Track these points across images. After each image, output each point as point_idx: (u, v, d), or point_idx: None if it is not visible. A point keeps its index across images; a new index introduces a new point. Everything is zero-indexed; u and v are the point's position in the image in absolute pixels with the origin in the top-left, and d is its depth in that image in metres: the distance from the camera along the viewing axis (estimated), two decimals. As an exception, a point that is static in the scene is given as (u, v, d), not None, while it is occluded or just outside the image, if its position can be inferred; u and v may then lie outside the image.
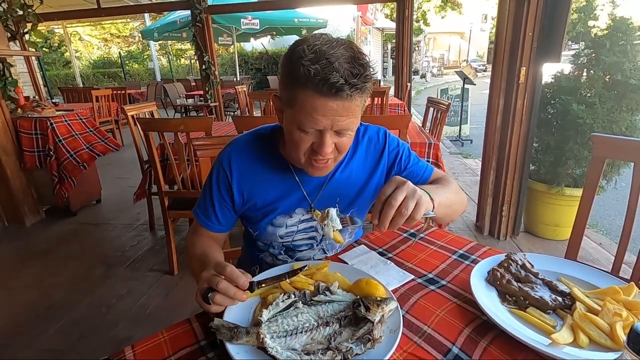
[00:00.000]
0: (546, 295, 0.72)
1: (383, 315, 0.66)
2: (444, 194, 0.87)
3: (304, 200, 0.97)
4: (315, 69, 0.69)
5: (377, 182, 1.03)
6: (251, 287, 0.70)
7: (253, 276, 0.74)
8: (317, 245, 1.04)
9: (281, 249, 1.04)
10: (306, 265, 0.78)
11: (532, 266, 0.81)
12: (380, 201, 0.72)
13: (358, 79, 0.71)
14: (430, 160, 2.22)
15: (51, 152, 3.04)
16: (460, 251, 0.99)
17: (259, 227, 0.99)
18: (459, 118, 6.16)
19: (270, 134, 0.98)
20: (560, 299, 0.72)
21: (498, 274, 0.78)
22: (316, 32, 0.76)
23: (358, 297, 0.72)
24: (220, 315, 0.69)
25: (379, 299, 0.69)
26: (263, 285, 0.74)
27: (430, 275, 0.88)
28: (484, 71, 27.29)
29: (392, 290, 0.78)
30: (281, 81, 0.80)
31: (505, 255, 0.84)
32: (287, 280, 0.75)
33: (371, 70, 0.75)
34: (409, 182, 0.73)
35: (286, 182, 0.96)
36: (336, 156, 0.85)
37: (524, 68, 2.27)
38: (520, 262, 0.81)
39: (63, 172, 3.08)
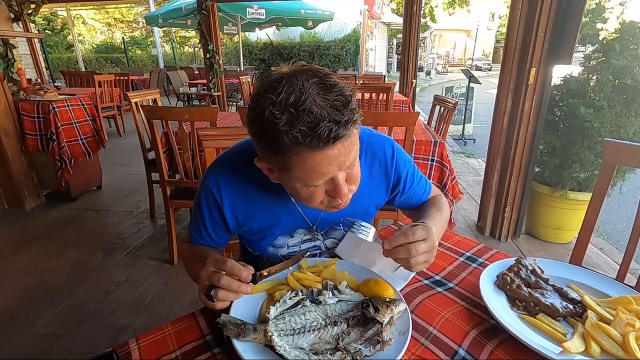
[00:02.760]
0: (557, 302, 0.71)
1: (392, 317, 0.65)
2: (441, 233, 0.92)
3: (304, 223, 0.92)
4: (301, 131, 0.59)
5: (379, 200, 0.98)
6: (254, 279, 0.69)
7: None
8: (321, 255, 1.01)
9: (283, 258, 1.00)
10: (307, 252, 0.77)
11: (542, 272, 0.80)
12: (406, 239, 0.70)
13: (346, 111, 0.62)
14: (435, 159, 2.20)
15: (53, 137, 3.01)
16: (468, 253, 0.98)
17: (259, 248, 0.96)
18: (463, 117, 6.13)
19: None
20: (571, 306, 0.71)
21: (508, 278, 0.77)
22: (270, 71, 0.70)
23: (367, 297, 0.71)
24: (226, 310, 0.68)
25: (388, 299, 0.68)
26: (266, 274, 0.72)
27: (437, 277, 0.87)
28: (489, 70, 27.20)
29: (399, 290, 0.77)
30: (262, 149, 0.69)
31: (515, 260, 0.82)
32: (291, 268, 0.73)
33: (348, 89, 0.64)
34: (436, 241, 0.72)
35: (283, 204, 0.88)
36: (352, 192, 0.77)
37: (534, 69, 2.25)
38: (530, 267, 0.80)
39: (63, 157, 3.06)
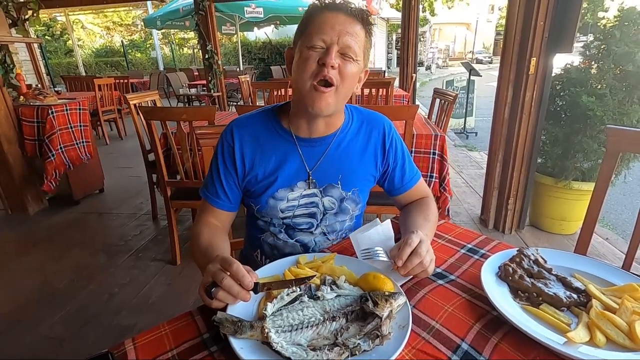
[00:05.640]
0: (560, 292, 0.70)
1: (391, 311, 0.64)
2: (431, 237, 0.95)
3: (303, 170, 0.98)
4: None
5: (375, 169, 1.05)
6: (255, 289, 0.68)
7: (256, 268, 0.72)
8: (318, 225, 1.03)
9: (282, 227, 1.04)
10: (314, 275, 0.75)
11: (545, 261, 0.78)
12: (419, 258, 0.75)
13: (360, 9, 0.86)
14: (436, 152, 2.18)
15: (46, 141, 3.01)
16: (469, 245, 0.96)
17: (260, 200, 0.99)
18: (464, 110, 6.09)
19: (273, 108, 1.02)
20: (575, 296, 0.69)
21: (510, 269, 0.76)
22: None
23: (365, 291, 0.70)
24: (223, 308, 0.67)
25: (387, 293, 0.66)
26: (268, 288, 0.71)
27: (439, 270, 0.86)
28: (490, 63, 27.01)
29: (399, 285, 0.76)
30: (296, 31, 0.90)
31: (517, 250, 0.81)
32: (294, 287, 0.72)
33: (372, 24, 0.90)
34: (428, 241, 0.80)
35: (287, 148, 0.98)
36: (338, 85, 0.85)
37: (535, 59, 2.22)
38: (532, 257, 0.78)
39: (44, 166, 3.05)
